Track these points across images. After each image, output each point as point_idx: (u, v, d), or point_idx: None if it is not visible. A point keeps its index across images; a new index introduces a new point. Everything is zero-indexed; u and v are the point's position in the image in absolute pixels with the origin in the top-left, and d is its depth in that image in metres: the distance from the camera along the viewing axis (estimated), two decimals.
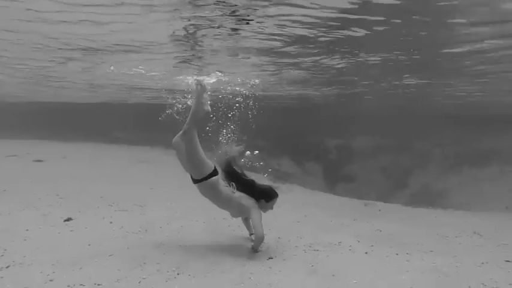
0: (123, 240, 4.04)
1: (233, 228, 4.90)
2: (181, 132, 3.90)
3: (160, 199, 6.38)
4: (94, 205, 5.58)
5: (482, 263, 3.89)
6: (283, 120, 26.11)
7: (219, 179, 3.89)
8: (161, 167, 11.18)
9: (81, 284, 2.91)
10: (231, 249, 3.97)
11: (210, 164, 3.86)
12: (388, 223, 5.72)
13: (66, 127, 24.89)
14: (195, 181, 3.86)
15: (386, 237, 4.83)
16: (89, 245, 3.83)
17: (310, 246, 4.24)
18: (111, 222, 4.72)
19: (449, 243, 4.70)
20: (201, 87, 3.90)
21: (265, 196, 4.01)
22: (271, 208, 4.11)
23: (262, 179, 4.22)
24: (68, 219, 4.69)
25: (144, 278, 3.09)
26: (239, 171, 4.07)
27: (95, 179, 8.02)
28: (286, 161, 21.33)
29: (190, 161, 3.81)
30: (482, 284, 3.33)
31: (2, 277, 2.96)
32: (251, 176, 4.18)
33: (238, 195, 3.92)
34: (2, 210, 4.93)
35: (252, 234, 4.36)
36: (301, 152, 22.37)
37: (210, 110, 4.09)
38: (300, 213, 6.11)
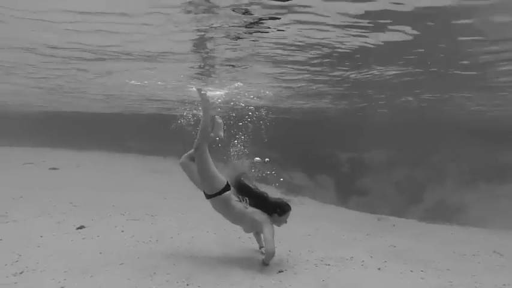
0: (134, 249, 4.06)
1: (243, 240, 4.86)
2: (188, 152, 3.94)
3: (171, 209, 6.41)
4: (106, 214, 5.64)
5: (504, 285, 3.73)
6: (296, 133, 26.06)
7: (231, 194, 3.88)
8: (173, 177, 11.26)
9: None
10: (241, 262, 3.93)
11: (223, 179, 3.86)
12: (402, 239, 5.57)
13: (80, 136, 25.48)
14: (208, 196, 3.86)
15: (400, 253, 4.70)
16: (101, 253, 3.86)
17: (321, 261, 4.16)
18: (122, 231, 4.76)
19: (467, 262, 4.53)
20: (204, 101, 3.97)
21: (278, 210, 3.97)
22: (285, 222, 4.06)
23: (273, 192, 4.18)
24: (81, 227, 4.76)
25: None
26: (251, 185, 4.06)
27: (108, 187, 8.14)
28: (298, 174, 21.16)
29: (202, 176, 3.83)
30: None
31: (15, 282, 3.01)
32: (262, 188, 4.17)
33: (251, 210, 3.90)
34: (18, 216, 5.05)
35: (262, 247, 4.31)
36: (313, 165, 22.18)
37: (222, 135, 4.13)
38: (311, 226, 6.02)
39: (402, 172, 21.52)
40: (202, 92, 4.22)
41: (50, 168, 10.16)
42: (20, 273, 3.21)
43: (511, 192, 16.03)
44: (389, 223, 7.29)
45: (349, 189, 20.82)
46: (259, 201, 3.97)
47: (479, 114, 15.78)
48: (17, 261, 3.47)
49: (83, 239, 4.33)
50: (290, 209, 4.05)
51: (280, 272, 3.67)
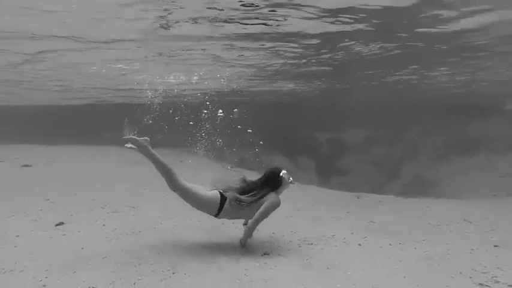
0: (116, 242, 4.01)
1: (227, 225, 4.90)
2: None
3: (152, 199, 6.33)
4: (86, 208, 5.51)
5: (472, 249, 3.98)
6: (274, 116, 26.11)
7: (232, 201, 3.79)
8: (152, 166, 11.08)
9: None
10: (226, 247, 3.97)
11: (214, 195, 3.79)
12: (381, 214, 5.78)
13: (53, 130, 24.46)
14: (216, 216, 3.83)
15: (380, 229, 4.89)
16: (82, 248, 3.79)
17: (304, 240, 4.27)
18: (103, 225, 4.68)
19: (441, 231, 4.78)
20: (142, 148, 3.87)
21: (274, 179, 3.97)
22: (291, 182, 4.09)
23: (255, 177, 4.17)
24: (60, 224, 4.63)
25: (139, 279, 3.08)
26: (243, 184, 4.00)
27: (86, 181, 7.91)
28: (279, 157, 21.37)
29: (196, 207, 3.84)
30: (472, 269, 3.41)
31: None
32: (247, 176, 4.17)
33: (263, 199, 3.85)
34: None
35: (245, 224, 4.28)
36: (293, 147, 22.43)
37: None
38: (293, 207, 6.13)
39: (379, 150, 22.17)
40: (131, 137, 3.75)
41: (22, 166, 9.74)
42: None
43: (479, 163, 16.92)
44: (369, 200, 7.54)
45: (329, 169, 21.28)
46: (257, 187, 3.95)
47: (449, 89, 16.39)
48: None
49: (63, 235, 4.23)
50: (280, 168, 4.06)
51: (264, 254, 3.74)
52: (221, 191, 3.87)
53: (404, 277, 3.21)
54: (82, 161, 11.60)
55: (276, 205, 3.84)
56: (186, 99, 19.74)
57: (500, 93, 17.83)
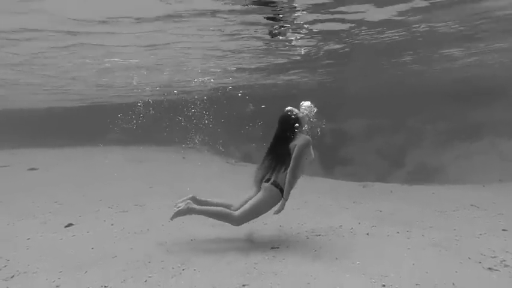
0: (125, 241, 4.05)
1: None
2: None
3: (158, 197, 6.38)
4: (94, 209, 5.56)
5: (480, 234, 3.98)
6: (278, 108, 26.02)
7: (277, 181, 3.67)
8: (156, 164, 11.14)
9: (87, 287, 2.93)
10: (234, 241, 4.00)
11: (269, 191, 3.67)
12: (388, 203, 5.79)
13: (56, 133, 24.58)
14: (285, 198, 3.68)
15: (387, 217, 4.90)
16: (92, 248, 3.83)
17: (312, 232, 4.29)
18: (112, 224, 4.72)
19: (447, 218, 4.78)
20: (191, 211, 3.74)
21: (290, 125, 3.78)
22: (311, 112, 3.91)
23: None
24: (69, 225, 4.68)
25: (150, 277, 3.11)
26: (267, 160, 3.82)
27: (92, 182, 7.98)
28: None
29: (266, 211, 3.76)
30: (481, 254, 3.42)
31: (7, 287, 2.96)
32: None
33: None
34: (0, 221, 4.90)
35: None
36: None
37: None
38: (299, 199, 6.15)
39: (382, 138, 22.09)
40: (176, 214, 3.72)
41: (29, 169, 9.82)
42: (11, 277, 3.14)
43: (483, 149, 16.82)
44: (374, 189, 7.54)
45: (333, 160, 21.26)
46: (280, 149, 3.75)
47: (449, 73, 16.15)
48: (5, 266, 3.39)
49: (73, 236, 4.27)
50: (291, 111, 3.83)
51: (273, 248, 3.77)
52: (267, 181, 3.70)
53: (413, 264, 3.22)
54: (87, 162, 11.68)
55: (304, 146, 3.60)
56: (196, 96, 19.71)
57: (507, 76, 17.53)
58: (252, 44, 8.60)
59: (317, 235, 4.17)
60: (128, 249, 3.76)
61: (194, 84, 15.07)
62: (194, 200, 3.87)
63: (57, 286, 2.98)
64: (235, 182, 8.07)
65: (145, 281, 3.03)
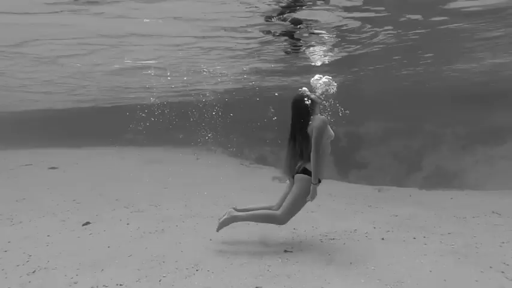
0: (141, 241, 4.12)
1: (248, 222, 4.92)
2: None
3: (174, 198, 6.46)
4: (110, 208, 5.69)
5: (503, 243, 3.84)
6: (288, 111, 25.94)
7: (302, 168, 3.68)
8: (173, 166, 11.29)
9: (104, 285, 2.99)
10: (248, 244, 4.01)
11: (302, 180, 3.69)
12: (404, 207, 5.67)
13: (75, 134, 25.28)
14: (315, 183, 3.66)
15: (403, 222, 4.80)
16: (108, 247, 3.91)
17: (326, 236, 4.25)
18: (128, 224, 4.81)
19: (467, 224, 4.64)
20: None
21: (304, 109, 3.72)
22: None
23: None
24: (86, 223, 4.80)
25: (164, 277, 3.15)
26: (289, 150, 3.82)
27: (109, 182, 8.16)
28: None
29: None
30: (504, 263, 3.29)
31: (29, 281, 3.06)
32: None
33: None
34: (23, 218, 5.09)
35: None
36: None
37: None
38: (313, 202, 6.08)
39: (399, 142, 21.65)
40: (220, 225, 3.81)
41: (50, 168, 10.13)
42: (33, 272, 3.26)
43: (506, 153, 16.22)
44: (390, 193, 7.39)
45: (348, 163, 20.99)
46: (298, 134, 3.73)
47: (468, 77, 15.67)
48: (28, 261, 3.52)
49: (90, 234, 4.38)
50: (302, 94, 3.73)
51: (286, 251, 3.75)
52: (296, 172, 3.71)
53: (430, 271, 3.14)
54: (104, 162, 11.95)
55: (322, 128, 3.55)
56: (204, 99, 19.89)
57: None
58: (271, 48, 8.65)
59: (331, 239, 4.13)
60: (143, 249, 3.83)
61: (210, 86, 15.21)
62: (235, 209, 3.92)
63: (75, 283, 3.06)
64: (252, 183, 8.08)
65: (160, 281, 3.07)
